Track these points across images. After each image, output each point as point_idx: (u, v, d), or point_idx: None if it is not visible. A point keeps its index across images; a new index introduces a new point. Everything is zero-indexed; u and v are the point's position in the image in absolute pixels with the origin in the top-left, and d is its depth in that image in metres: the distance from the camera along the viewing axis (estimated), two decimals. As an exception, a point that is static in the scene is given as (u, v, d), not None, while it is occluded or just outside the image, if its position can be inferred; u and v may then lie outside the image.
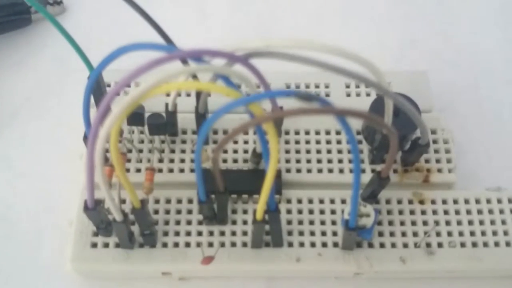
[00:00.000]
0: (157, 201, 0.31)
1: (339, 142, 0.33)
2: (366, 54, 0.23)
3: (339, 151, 0.33)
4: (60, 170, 0.34)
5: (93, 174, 0.25)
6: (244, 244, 0.30)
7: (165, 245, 0.30)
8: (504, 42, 0.40)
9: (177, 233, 0.30)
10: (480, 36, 0.40)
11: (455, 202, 0.31)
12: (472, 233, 0.30)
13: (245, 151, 0.33)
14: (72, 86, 0.37)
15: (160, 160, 0.32)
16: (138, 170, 0.32)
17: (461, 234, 0.30)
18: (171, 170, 0.32)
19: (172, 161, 0.32)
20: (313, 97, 0.21)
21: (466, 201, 0.31)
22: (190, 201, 0.31)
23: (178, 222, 0.31)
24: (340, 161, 0.33)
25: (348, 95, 0.35)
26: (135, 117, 0.30)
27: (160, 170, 0.32)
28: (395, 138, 0.24)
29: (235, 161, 0.32)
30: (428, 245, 0.30)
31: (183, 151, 0.33)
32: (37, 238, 0.32)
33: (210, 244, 0.30)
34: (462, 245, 0.30)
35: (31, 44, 0.39)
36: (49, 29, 0.39)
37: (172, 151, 0.33)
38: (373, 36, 0.40)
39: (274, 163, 0.22)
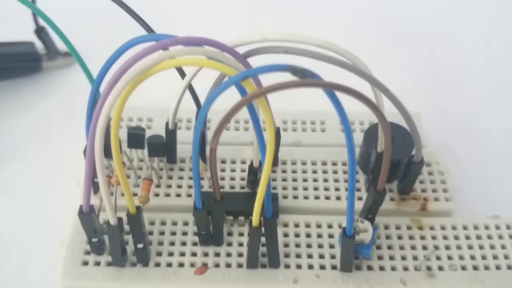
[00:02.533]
0: (152, 223, 0.31)
1: (335, 172, 0.33)
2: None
3: (336, 180, 0.33)
4: (56, 198, 0.34)
5: (91, 172, 0.26)
6: (240, 265, 0.29)
7: (158, 264, 0.29)
8: (490, 86, 0.42)
9: (170, 254, 0.30)
10: (468, 83, 0.42)
11: (454, 228, 0.31)
12: (472, 257, 0.30)
13: (242, 178, 0.33)
14: (74, 125, 0.38)
15: (158, 185, 0.32)
16: (136, 187, 0.32)
17: (461, 257, 0.30)
18: (168, 195, 0.32)
19: (169, 186, 0.33)
20: (308, 72, 0.22)
21: (465, 227, 0.31)
22: (185, 223, 0.31)
23: (172, 243, 0.30)
24: (337, 189, 0.33)
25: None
26: (136, 138, 0.31)
27: (157, 194, 0.32)
28: (388, 131, 0.24)
29: (232, 187, 0.33)
30: (429, 268, 0.29)
31: (180, 178, 0.33)
32: (27, 260, 0.31)
33: (205, 265, 0.29)
34: (463, 268, 0.29)
35: (40, 90, 0.41)
36: (58, 77, 0.41)
37: (170, 178, 0.33)
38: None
39: (271, 142, 0.23)
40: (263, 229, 0.27)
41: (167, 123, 0.31)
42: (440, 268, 0.29)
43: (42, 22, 0.39)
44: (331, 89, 0.22)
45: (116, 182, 0.29)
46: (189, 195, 0.32)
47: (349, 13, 0.48)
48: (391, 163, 0.30)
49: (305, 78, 0.22)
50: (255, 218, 0.26)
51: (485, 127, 0.40)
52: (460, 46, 0.45)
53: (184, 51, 0.23)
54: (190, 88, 0.30)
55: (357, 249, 0.28)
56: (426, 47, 0.45)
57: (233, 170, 0.33)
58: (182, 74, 0.29)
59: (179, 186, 0.33)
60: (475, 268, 0.29)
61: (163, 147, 0.31)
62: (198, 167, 0.26)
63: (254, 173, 0.31)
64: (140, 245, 0.28)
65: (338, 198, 0.32)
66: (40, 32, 0.39)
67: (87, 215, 0.27)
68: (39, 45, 0.40)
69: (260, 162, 0.30)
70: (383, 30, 0.47)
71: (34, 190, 0.35)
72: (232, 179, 0.33)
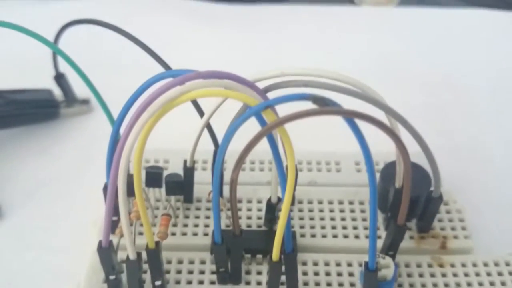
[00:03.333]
0: (169, 262, 0.31)
1: (352, 211, 0.33)
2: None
3: (353, 219, 0.33)
4: (71, 241, 0.34)
5: (112, 206, 0.26)
6: (259, 304, 0.29)
7: (175, 303, 0.29)
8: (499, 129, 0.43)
9: (188, 293, 0.29)
10: (477, 128, 0.43)
11: (474, 265, 0.31)
12: (495, 294, 0.29)
13: (259, 218, 0.33)
14: (90, 170, 0.38)
15: (174, 225, 0.32)
16: (153, 226, 0.32)
17: (484, 295, 0.29)
18: (184, 234, 0.32)
19: (186, 225, 0.32)
20: (329, 101, 0.22)
21: (485, 264, 0.31)
22: (202, 262, 0.31)
23: (189, 282, 0.30)
24: (355, 227, 0.32)
25: (359, 171, 0.36)
26: (153, 177, 0.31)
27: (174, 234, 0.32)
28: (407, 158, 0.24)
29: (249, 226, 0.33)
30: (452, 306, 0.29)
31: (197, 217, 0.33)
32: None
33: (223, 303, 0.29)
34: (487, 305, 0.29)
35: (57, 136, 0.41)
36: (76, 124, 0.42)
37: (186, 217, 0.33)
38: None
39: (292, 171, 0.23)
40: (283, 265, 0.27)
41: (185, 161, 0.31)
42: (464, 306, 0.29)
43: (61, 69, 0.40)
44: (351, 116, 0.22)
45: (135, 218, 0.29)
46: (205, 234, 0.32)
47: (367, 48, 0.50)
48: (410, 201, 0.30)
49: (326, 106, 0.22)
50: (276, 252, 0.26)
51: (495, 164, 0.40)
52: (467, 87, 0.46)
53: (205, 83, 0.23)
54: (208, 127, 0.31)
55: (380, 286, 0.28)
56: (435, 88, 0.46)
57: (249, 210, 0.33)
58: (201, 112, 0.30)
59: (196, 225, 0.32)
60: (500, 305, 0.29)
61: (181, 186, 0.32)
62: (219, 200, 0.26)
63: (272, 209, 0.31)
64: (158, 283, 0.28)
65: (356, 236, 0.32)
66: (59, 78, 0.40)
67: (106, 250, 0.27)
68: (57, 92, 0.41)
69: (279, 197, 0.30)
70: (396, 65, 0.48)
71: (49, 234, 0.35)
72: (249, 218, 0.33)
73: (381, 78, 0.45)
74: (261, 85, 0.26)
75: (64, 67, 0.40)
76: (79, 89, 0.42)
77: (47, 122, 0.42)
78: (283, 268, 0.27)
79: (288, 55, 0.49)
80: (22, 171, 0.39)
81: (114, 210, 0.26)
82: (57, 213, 0.36)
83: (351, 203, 0.34)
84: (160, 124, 0.43)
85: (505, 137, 0.42)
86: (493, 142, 0.42)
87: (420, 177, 0.32)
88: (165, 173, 0.32)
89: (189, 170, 0.31)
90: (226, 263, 0.29)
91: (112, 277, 0.28)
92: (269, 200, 0.30)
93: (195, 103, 0.30)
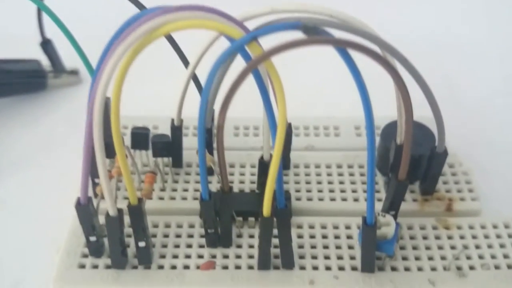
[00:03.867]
0: (155, 226, 0.29)
1: (352, 174, 0.31)
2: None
3: (353, 182, 0.31)
4: (56, 211, 0.32)
5: (90, 158, 0.24)
6: (250, 267, 0.27)
7: (161, 267, 0.27)
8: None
9: (175, 256, 0.27)
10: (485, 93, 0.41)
11: (483, 227, 0.29)
12: (506, 256, 0.27)
13: (252, 182, 0.31)
14: (77, 141, 0.36)
15: (162, 189, 0.30)
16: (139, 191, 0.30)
17: (494, 257, 0.27)
18: (173, 198, 0.30)
19: (175, 190, 0.31)
20: (320, 30, 0.20)
21: (495, 226, 0.29)
22: (191, 225, 0.29)
23: (177, 246, 0.28)
24: (354, 191, 0.30)
25: (359, 135, 0.34)
26: (139, 138, 0.29)
27: (162, 198, 0.30)
28: (406, 91, 0.22)
29: (241, 191, 0.31)
30: (459, 268, 0.27)
31: (186, 182, 0.31)
32: (21, 273, 0.29)
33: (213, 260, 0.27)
34: (497, 267, 0.27)
35: (44, 107, 0.40)
36: (63, 95, 0.40)
37: (175, 182, 0.31)
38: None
39: (282, 111, 0.21)
40: (275, 222, 0.25)
41: (172, 120, 0.29)
42: (472, 268, 0.27)
43: (47, 35, 0.38)
44: (343, 46, 0.20)
45: (117, 173, 0.27)
46: (195, 198, 0.30)
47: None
48: (412, 160, 0.28)
49: (317, 34, 0.20)
50: (266, 206, 0.24)
51: (502, 131, 0.38)
52: (477, 60, 0.44)
53: (189, 16, 0.22)
54: (195, 79, 0.29)
55: (380, 245, 0.26)
56: (442, 62, 0.44)
57: (242, 174, 0.32)
58: (185, 62, 0.28)
59: (185, 190, 0.31)
60: (510, 267, 0.27)
61: (168, 147, 0.30)
62: (205, 152, 0.24)
63: (265, 169, 0.29)
64: (141, 244, 0.26)
65: (356, 199, 0.30)
66: (46, 45, 0.38)
67: (84, 207, 0.25)
68: (45, 61, 0.40)
69: (271, 155, 0.28)
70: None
71: (33, 204, 0.33)
72: (242, 182, 0.31)
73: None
74: (250, 26, 0.24)
75: (51, 33, 0.38)
76: (68, 59, 0.40)
77: (35, 93, 0.40)
78: (275, 226, 0.25)
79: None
80: (8, 141, 0.37)
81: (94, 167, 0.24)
82: (43, 185, 0.34)
83: (350, 166, 0.32)
84: (149, 92, 0.41)
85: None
86: (501, 107, 0.40)
87: (423, 135, 0.30)
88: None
89: (176, 130, 0.30)
90: (215, 224, 0.27)
91: (92, 238, 0.26)
92: (261, 158, 0.28)
93: (179, 52, 0.28)
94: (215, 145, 0.24)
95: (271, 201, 0.24)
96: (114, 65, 0.21)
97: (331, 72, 0.43)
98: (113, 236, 0.25)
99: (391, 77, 0.22)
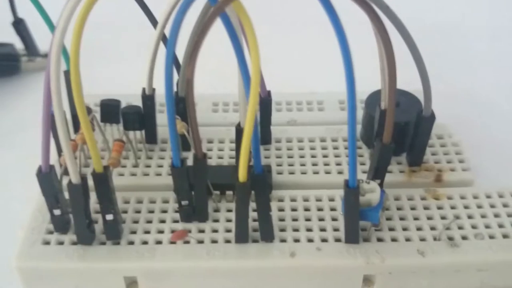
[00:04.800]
0: (126, 202, 0.27)
1: (336, 148, 0.30)
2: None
3: (337, 155, 0.29)
4: (25, 190, 0.30)
5: (49, 123, 0.22)
6: (227, 241, 0.25)
7: (131, 242, 0.25)
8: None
9: (147, 231, 0.26)
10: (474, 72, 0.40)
11: (476, 197, 0.27)
12: (500, 225, 0.25)
13: (231, 157, 0.29)
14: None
15: (135, 165, 0.29)
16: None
17: (487, 226, 0.25)
18: (146, 174, 0.28)
19: (148, 166, 0.29)
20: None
21: (488, 196, 0.27)
22: (165, 201, 0.27)
23: (149, 221, 0.26)
24: (338, 163, 0.29)
25: (343, 109, 0.32)
26: (109, 110, 0.28)
27: (134, 174, 0.28)
28: (386, 34, 0.21)
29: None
30: (450, 238, 0.25)
31: (161, 158, 0.29)
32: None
33: (186, 242, 0.25)
34: (491, 237, 0.25)
35: (17, 92, 0.38)
36: (37, 79, 0.39)
37: (149, 158, 0.29)
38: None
39: (255, 56, 0.19)
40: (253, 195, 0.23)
41: (143, 89, 0.28)
42: (464, 238, 0.25)
43: (20, 15, 0.37)
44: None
45: (81, 140, 0.25)
46: (170, 175, 0.28)
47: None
48: (398, 128, 0.27)
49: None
50: (242, 170, 0.22)
51: (493, 107, 0.37)
52: (464, 34, 0.43)
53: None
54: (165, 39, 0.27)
55: (364, 213, 0.24)
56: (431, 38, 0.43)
57: (221, 150, 0.30)
58: (154, 21, 0.27)
59: (160, 166, 0.29)
60: (505, 236, 0.25)
61: (140, 118, 0.28)
62: (174, 112, 0.22)
63: (242, 136, 0.27)
64: (109, 216, 0.24)
65: (340, 172, 0.28)
66: (18, 25, 0.37)
67: (46, 175, 0.23)
68: (18, 44, 0.38)
69: (248, 123, 0.26)
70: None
71: (2, 184, 0.32)
72: (220, 158, 0.29)
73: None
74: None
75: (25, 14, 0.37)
76: (42, 42, 0.39)
77: (8, 77, 0.39)
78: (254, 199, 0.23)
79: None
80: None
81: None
82: (13, 170, 0.33)
83: (334, 140, 0.30)
84: (123, 69, 0.39)
85: (503, 80, 0.39)
86: (491, 85, 0.38)
87: (409, 102, 0.29)
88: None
89: (148, 100, 0.28)
90: (190, 195, 0.25)
91: (56, 211, 0.24)
92: (238, 125, 0.26)
93: (146, 11, 0.26)
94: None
95: (247, 163, 0.22)
96: (71, 10, 0.19)
97: (314, 49, 0.42)
98: (77, 207, 0.23)
99: (370, 20, 0.20)
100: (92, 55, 0.28)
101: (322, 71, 0.37)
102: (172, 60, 0.20)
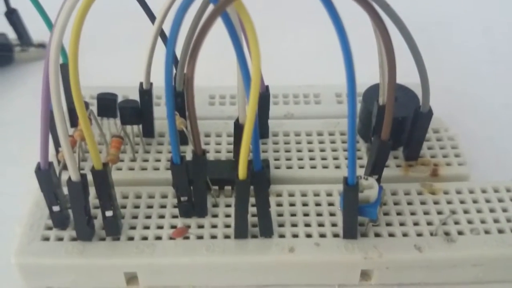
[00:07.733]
0: (125, 197, 0.27)
1: (333, 142, 0.30)
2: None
3: (334, 150, 0.29)
4: (21, 185, 0.30)
5: (48, 120, 0.22)
6: (227, 236, 0.25)
7: (131, 238, 0.25)
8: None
9: (146, 227, 0.26)
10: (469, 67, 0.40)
11: (472, 192, 0.27)
12: (496, 220, 0.26)
13: (229, 151, 0.29)
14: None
15: (132, 160, 0.29)
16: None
17: (483, 221, 0.26)
18: (144, 169, 0.28)
19: (146, 160, 0.29)
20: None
21: (484, 191, 0.27)
22: (164, 196, 0.27)
23: (148, 216, 0.26)
24: (335, 158, 0.29)
25: (340, 102, 0.33)
26: (106, 104, 0.28)
27: (132, 169, 0.28)
28: (385, 31, 0.21)
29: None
30: (447, 233, 0.25)
31: (159, 152, 0.29)
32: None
33: (186, 237, 0.25)
34: (487, 232, 0.25)
35: (10, 82, 0.38)
36: (30, 69, 0.39)
37: (147, 152, 0.29)
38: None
39: (256, 55, 0.19)
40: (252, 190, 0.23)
41: (141, 83, 0.28)
42: (460, 233, 0.25)
43: (12, 4, 0.36)
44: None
45: (79, 136, 0.25)
46: (168, 169, 0.28)
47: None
48: (396, 123, 0.27)
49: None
50: (242, 168, 0.22)
51: (486, 99, 0.37)
52: (460, 32, 0.43)
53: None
54: (163, 35, 0.27)
55: (362, 209, 0.24)
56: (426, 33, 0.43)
57: (218, 144, 0.30)
58: (152, 17, 0.26)
59: (158, 160, 0.29)
60: (501, 231, 0.25)
61: (138, 113, 0.28)
62: (174, 109, 0.22)
63: (241, 133, 0.27)
64: (108, 213, 0.24)
65: (337, 166, 0.29)
66: (11, 14, 0.36)
67: (45, 172, 0.23)
68: (11, 34, 0.38)
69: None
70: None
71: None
72: (218, 152, 0.29)
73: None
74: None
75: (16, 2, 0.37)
76: (35, 32, 0.39)
77: (0, 68, 0.38)
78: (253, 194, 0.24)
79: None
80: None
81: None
82: (5, 163, 0.32)
83: (331, 134, 0.30)
84: (120, 62, 0.39)
85: (498, 73, 0.39)
86: (486, 79, 0.39)
87: (407, 97, 0.29)
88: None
89: (145, 94, 0.28)
90: (188, 191, 0.25)
91: (55, 208, 0.24)
92: (236, 121, 0.26)
93: (144, 5, 0.26)
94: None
95: (246, 161, 0.22)
96: (71, 8, 0.19)
97: (312, 42, 0.42)
98: (77, 203, 0.23)
99: (370, 17, 0.20)
100: (85, 46, 0.28)
101: (318, 65, 0.37)
102: (172, 60, 0.20)
